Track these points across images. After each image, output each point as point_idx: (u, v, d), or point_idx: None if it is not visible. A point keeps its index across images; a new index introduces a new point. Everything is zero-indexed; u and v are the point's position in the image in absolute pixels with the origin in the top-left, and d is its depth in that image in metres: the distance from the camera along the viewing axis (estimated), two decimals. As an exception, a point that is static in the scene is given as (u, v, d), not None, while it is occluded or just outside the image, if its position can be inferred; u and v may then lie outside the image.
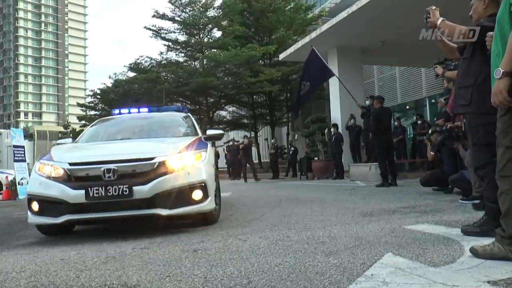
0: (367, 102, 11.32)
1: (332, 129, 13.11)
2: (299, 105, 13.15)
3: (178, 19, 24.43)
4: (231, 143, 19.50)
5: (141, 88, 23.71)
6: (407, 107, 19.34)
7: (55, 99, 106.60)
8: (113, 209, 3.62)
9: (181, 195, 3.72)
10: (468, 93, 2.86)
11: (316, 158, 14.36)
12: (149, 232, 3.81)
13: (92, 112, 28.89)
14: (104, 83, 33.57)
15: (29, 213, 3.81)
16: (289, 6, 22.94)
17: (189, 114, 5.68)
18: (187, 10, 24.43)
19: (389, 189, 7.54)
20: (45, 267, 2.60)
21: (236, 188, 11.08)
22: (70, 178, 3.67)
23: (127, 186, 3.55)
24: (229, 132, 28.13)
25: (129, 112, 6.05)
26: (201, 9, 24.33)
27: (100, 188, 3.53)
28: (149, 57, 25.61)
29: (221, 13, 24.12)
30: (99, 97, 28.06)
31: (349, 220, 3.95)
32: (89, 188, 3.54)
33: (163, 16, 24.22)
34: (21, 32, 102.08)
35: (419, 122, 12.97)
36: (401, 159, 12.70)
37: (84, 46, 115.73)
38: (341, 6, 18.56)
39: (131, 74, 26.27)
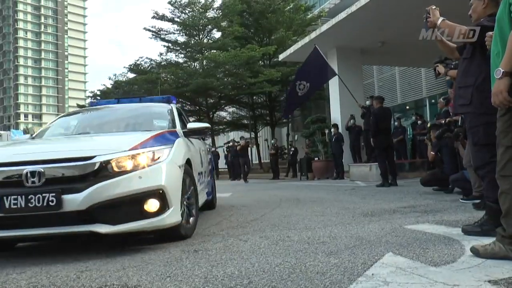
0: (367, 102, 11.32)
1: (332, 130, 13.12)
2: (294, 106, 12.99)
3: (178, 20, 24.50)
4: (231, 143, 19.52)
5: (141, 89, 23.75)
6: (407, 107, 19.35)
7: (55, 100, 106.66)
8: (36, 225, 2.80)
9: (129, 206, 2.90)
10: (468, 93, 2.86)
11: (316, 159, 14.36)
12: (150, 232, 3.80)
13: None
14: (104, 84, 33.65)
15: None
16: (288, 7, 23.00)
17: (172, 106, 4.80)
18: (187, 11, 24.50)
19: (389, 189, 7.54)
20: (46, 268, 2.60)
21: (236, 188, 11.08)
22: None
23: (54, 194, 2.73)
24: (229, 132, 28.18)
25: (108, 104, 5.35)
26: (200, 10, 24.39)
27: (19, 197, 2.73)
28: (149, 58, 25.73)
29: (220, 14, 24.18)
30: (99, 98, 28.08)
31: (350, 220, 3.95)
32: (5, 197, 2.73)
33: (162, 17, 24.28)
34: (20, 33, 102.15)
35: (419, 122, 12.99)
36: (401, 159, 12.71)
37: (84, 48, 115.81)
38: (341, 6, 18.60)
39: (131, 75, 26.35)
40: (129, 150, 3.05)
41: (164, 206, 3.01)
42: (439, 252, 2.40)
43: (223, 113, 26.91)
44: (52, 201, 2.74)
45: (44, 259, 2.91)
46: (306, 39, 13.67)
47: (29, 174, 2.80)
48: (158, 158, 3.14)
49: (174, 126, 4.22)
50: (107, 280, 2.22)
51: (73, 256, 2.94)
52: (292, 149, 17.55)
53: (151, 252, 2.89)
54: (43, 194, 2.74)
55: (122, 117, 4.62)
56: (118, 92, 25.43)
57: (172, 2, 24.03)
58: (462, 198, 4.97)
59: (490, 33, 2.42)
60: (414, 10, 7.23)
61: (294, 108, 14.40)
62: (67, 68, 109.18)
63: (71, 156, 2.95)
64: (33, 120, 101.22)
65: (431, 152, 6.71)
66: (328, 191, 7.89)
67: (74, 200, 2.77)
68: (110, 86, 27.73)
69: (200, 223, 4.28)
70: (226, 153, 21.01)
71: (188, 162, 3.67)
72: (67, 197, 2.76)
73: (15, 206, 2.74)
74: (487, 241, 2.33)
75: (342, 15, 11.48)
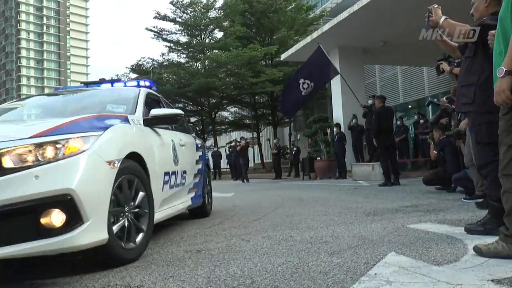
0: (369, 102, 11.31)
1: (334, 129, 13.11)
2: (298, 106, 12.86)
3: (180, 20, 24.52)
4: (233, 143, 19.55)
5: (143, 89, 23.74)
6: (409, 106, 19.32)
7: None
8: None
9: (18, 219, 2.04)
10: (471, 91, 2.85)
11: (318, 158, 14.35)
12: (152, 232, 3.80)
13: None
14: (106, 85, 33.58)
15: None
16: (290, 7, 23.01)
17: (141, 90, 3.86)
18: (188, 11, 24.52)
19: (391, 188, 7.53)
20: (48, 268, 2.61)
21: (238, 188, 11.08)
22: None
23: None
24: (232, 132, 28.21)
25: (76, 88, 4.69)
26: (202, 10, 24.41)
27: None
28: (151, 59, 25.74)
29: (222, 14, 24.21)
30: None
31: (352, 219, 3.95)
32: None
33: (164, 17, 24.31)
34: (23, 34, 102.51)
35: (421, 121, 12.96)
36: (404, 158, 12.69)
37: (86, 48, 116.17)
38: (342, 6, 18.57)
39: (133, 76, 26.34)
40: (29, 138, 2.20)
41: (75, 219, 2.13)
42: (442, 251, 2.40)
43: (225, 113, 26.93)
44: None
45: (46, 259, 2.92)
46: (308, 39, 13.67)
47: None
48: (77, 149, 2.25)
49: (133, 111, 3.36)
50: (110, 280, 2.23)
51: (75, 255, 2.94)
52: (295, 148, 17.54)
53: (154, 252, 2.90)
54: None
55: (71, 102, 3.83)
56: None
57: (173, 2, 24.07)
58: (464, 197, 4.96)
59: (493, 31, 2.41)
60: (416, 9, 7.23)
61: (298, 108, 14.33)
62: (69, 69, 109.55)
63: None
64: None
65: (434, 151, 6.70)
66: (330, 191, 7.89)
67: None
68: (112, 87, 27.73)
69: (202, 223, 4.29)
70: (228, 153, 21.04)
71: (137, 157, 2.79)
72: None
73: None
74: (490, 240, 2.32)
75: (344, 14, 11.47)
